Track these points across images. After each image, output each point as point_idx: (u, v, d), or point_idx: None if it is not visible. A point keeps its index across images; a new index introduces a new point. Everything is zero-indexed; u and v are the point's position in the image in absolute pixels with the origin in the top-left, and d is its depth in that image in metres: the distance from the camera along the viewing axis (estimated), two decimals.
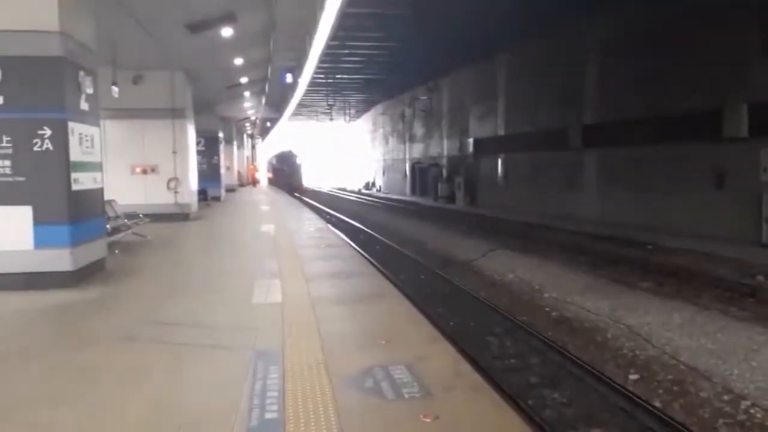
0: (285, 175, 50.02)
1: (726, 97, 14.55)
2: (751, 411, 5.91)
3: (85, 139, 8.39)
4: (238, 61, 18.35)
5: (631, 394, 6.28)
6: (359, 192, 51.53)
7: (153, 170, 17.10)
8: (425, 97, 35.83)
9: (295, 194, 41.58)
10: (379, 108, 49.76)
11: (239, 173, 44.08)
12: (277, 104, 37.42)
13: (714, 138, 14.89)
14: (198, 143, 22.69)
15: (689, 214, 15.80)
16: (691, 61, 15.67)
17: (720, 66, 14.79)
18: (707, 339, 7.77)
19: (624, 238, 15.47)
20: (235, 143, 39.74)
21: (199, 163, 23.95)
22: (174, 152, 17.22)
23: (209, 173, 27.40)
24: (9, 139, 7.63)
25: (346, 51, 28.12)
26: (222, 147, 30.88)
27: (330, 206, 33.52)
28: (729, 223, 14.62)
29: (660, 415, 5.77)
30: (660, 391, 6.65)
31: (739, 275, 10.89)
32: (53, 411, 3.99)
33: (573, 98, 21.11)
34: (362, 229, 21.87)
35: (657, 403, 6.26)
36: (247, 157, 52.30)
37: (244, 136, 49.81)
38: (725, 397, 6.24)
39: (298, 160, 51.60)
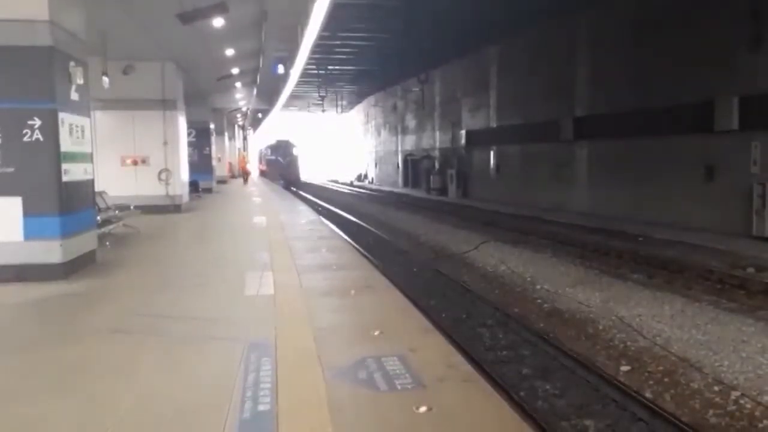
0: (280, 167, 47.71)
1: (717, 89, 14.58)
2: (741, 401, 5.94)
3: (75, 130, 8.32)
4: (230, 52, 18.23)
5: (622, 385, 6.31)
6: (351, 184, 51.29)
7: (144, 161, 16.99)
8: (417, 89, 35.76)
9: (292, 188, 40.27)
10: (371, 100, 49.61)
11: (230, 164, 43.75)
12: (268, 95, 37.23)
13: (705, 130, 14.94)
14: (189, 134, 22.60)
15: (680, 206, 15.87)
16: (682, 54, 15.68)
17: (711, 59, 14.81)
18: (698, 330, 7.82)
19: (615, 230, 15.53)
20: (226, 134, 39.54)
21: (190, 155, 23.83)
22: (165, 143, 17.11)
23: (200, 165, 27.24)
24: None
25: (338, 42, 28.05)
26: (213, 138, 30.74)
27: (322, 198, 33.48)
28: (719, 215, 14.69)
29: (651, 406, 5.80)
30: (651, 382, 6.68)
31: (729, 267, 10.95)
32: (44, 403, 3.96)
33: (564, 90, 21.13)
34: (354, 221, 21.84)
35: (648, 394, 6.29)
36: (239, 149, 51.77)
37: (236, 127, 49.37)
38: (716, 388, 6.28)
39: (295, 151, 49.55)
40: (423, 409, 3.68)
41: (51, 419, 3.75)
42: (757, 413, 5.73)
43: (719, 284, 10.10)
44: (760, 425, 5.55)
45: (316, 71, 34.90)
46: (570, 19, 20.57)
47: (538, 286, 10.98)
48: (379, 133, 48.30)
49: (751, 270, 10.71)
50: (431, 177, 33.35)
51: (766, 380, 6.23)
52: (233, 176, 43.24)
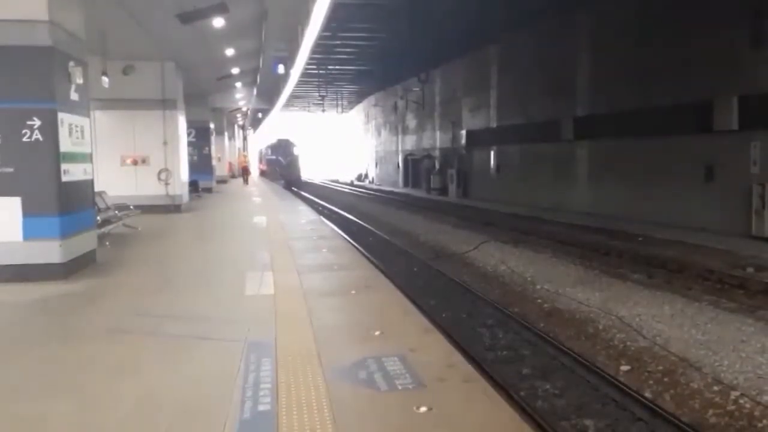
0: (281, 166, 47.41)
1: (716, 89, 14.57)
2: (741, 401, 5.94)
3: (75, 130, 8.32)
4: (230, 52, 18.23)
5: (622, 385, 6.31)
6: (351, 184, 51.24)
7: (144, 161, 16.99)
8: (417, 89, 35.77)
9: (293, 188, 40.01)
10: (371, 99, 49.61)
11: (230, 164, 43.68)
12: (268, 95, 37.25)
13: (704, 130, 14.94)
14: (189, 134, 22.59)
15: (680, 205, 15.87)
16: (682, 53, 15.68)
17: (711, 58, 14.81)
18: (697, 330, 7.81)
19: (615, 230, 15.53)
20: (226, 134, 39.51)
21: (190, 155, 23.84)
22: (165, 143, 17.12)
23: (200, 164, 27.25)
24: None
25: (338, 42, 28.05)
26: (213, 138, 30.74)
27: (322, 198, 33.48)
28: (719, 215, 14.68)
29: (651, 406, 5.80)
30: (651, 381, 6.68)
31: (729, 267, 10.95)
32: (43, 403, 3.96)
33: (565, 90, 21.13)
34: (355, 221, 21.84)
35: (648, 394, 6.29)
36: (239, 148, 51.66)
37: (236, 127, 49.29)
38: (715, 388, 6.27)
39: (295, 150, 49.05)
40: (423, 409, 3.68)
41: (51, 419, 3.75)
42: (756, 413, 5.72)
43: (719, 284, 10.10)
44: (760, 425, 5.55)
45: (316, 71, 34.91)
46: (570, 18, 20.57)
47: (538, 286, 10.98)
48: (379, 133, 48.29)
49: (750, 270, 10.71)
50: (431, 177, 33.37)
51: (766, 380, 6.23)
52: (233, 176, 43.15)
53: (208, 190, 27.32)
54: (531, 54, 23.65)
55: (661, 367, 6.96)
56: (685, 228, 14.84)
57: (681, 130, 15.79)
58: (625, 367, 7.13)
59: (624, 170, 18.29)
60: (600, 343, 8.00)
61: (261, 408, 3.74)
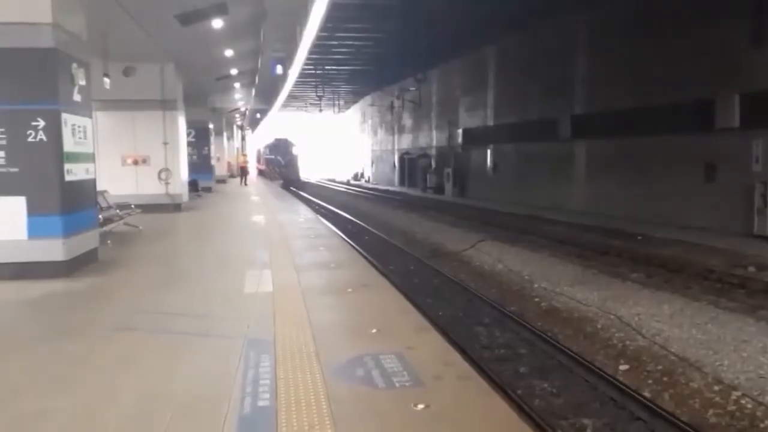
0: (280, 166, 46.99)
1: (717, 87, 14.56)
2: (742, 401, 5.93)
3: (78, 130, 8.38)
4: (229, 53, 18.27)
5: (621, 385, 6.33)
6: (348, 183, 51.20)
7: (144, 161, 17.06)
8: (414, 89, 35.80)
9: (292, 188, 39.65)
10: (368, 99, 49.63)
11: (229, 164, 43.65)
12: (266, 95, 37.27)
13: (705, 129, 14.92)
14: (189, 134, 22.63)
15: (680, 204, 15.86)
16: (683, 51, 15.67)
17: (711, 56, 14.80)
18: (697, 330, 7.81)
19: (614, 229, 15.53)
20: (225, 134, 39.52)
21: (190, 154, 23.88)
22: (165, 143, 17.19)
23: (200, 164, 27.31)
24: (3, 130, 7.63)
25: (336, 42, 28.13)
26: (212, 138, 30.79)
27: (319, 197, 33.47)
28: (720, 214, 14.67)
29: (650, 405, 5.82)
30: (650, 381, 6.69)
31: (730, 266, 10.94)
32: (45, 400, 3.98)
33: (563, 89, 21.14)
34: (351, 220, 21.86)
35: (647, 394, 6.30)
36: (238, 148, 51.58)
37: (234, 127, 49.24)
38: (715, 388, 6.27)
39: (294, 150, 48.52)
40: (421, 406, 3.71)
41: (53, 415, 3.77)
42: (758, 413, 5.71)
43: (719, 283, 10.09)
44: (762, 425, 5.55)
45: (313, 71, 34.95)
46: (568, 16, 20.56)
47: (536, 285, 11.00)
48: (375, 133, 48.31)
49: (752, 269, 10.70)
50: (428, 176, 33.44)
51: None
52: (232, 175, 43.08)
53: (208, 189, 27.36)
54: (528, 52, 23.66)
55: (660, 367, 6.97)
56: (686, 227, 14.84)
57: (681, 129, 15.75)
58: (623, 367, 7.14)
59: (623, 169, 18.27)
60: (599, 343, 8.02)
61: (260, 404, 3.77)
